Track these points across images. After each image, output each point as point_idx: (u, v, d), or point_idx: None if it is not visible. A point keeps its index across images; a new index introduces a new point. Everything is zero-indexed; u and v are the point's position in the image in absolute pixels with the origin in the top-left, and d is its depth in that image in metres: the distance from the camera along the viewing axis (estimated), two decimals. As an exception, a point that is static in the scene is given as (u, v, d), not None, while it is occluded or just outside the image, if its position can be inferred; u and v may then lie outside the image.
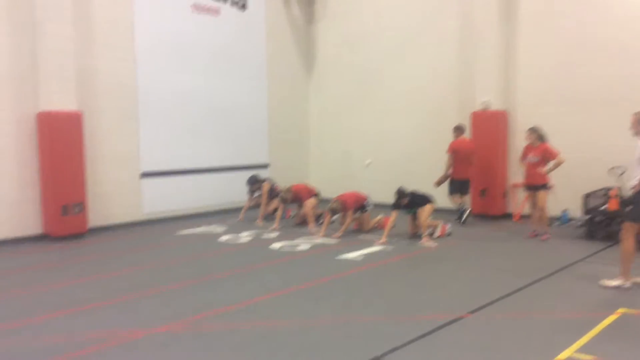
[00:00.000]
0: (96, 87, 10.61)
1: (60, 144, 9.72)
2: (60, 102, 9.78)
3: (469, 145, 11.28)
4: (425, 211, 9.55)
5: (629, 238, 6.55)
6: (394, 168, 13.12)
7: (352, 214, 10.08)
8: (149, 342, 5.14)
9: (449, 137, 12.32)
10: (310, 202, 10.91)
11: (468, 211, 11.14)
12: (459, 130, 11.29)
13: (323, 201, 11.63)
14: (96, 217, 10.52)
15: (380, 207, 11.15)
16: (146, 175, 11.45)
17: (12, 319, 5.81)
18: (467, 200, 11.42)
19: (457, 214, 11.23)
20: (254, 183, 11.76)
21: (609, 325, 5.40)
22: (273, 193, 11.70)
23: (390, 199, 9.82)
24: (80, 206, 9.95)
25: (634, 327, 5.45)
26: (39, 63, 9.73)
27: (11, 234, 9.60)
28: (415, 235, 9.72)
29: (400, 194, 9.51)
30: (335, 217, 10.35)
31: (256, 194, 11.84)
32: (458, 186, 11.24)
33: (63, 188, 9.76)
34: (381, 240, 9.36)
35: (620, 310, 5.81)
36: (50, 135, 9.66)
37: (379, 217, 10.61)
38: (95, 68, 10.58)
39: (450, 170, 11.24)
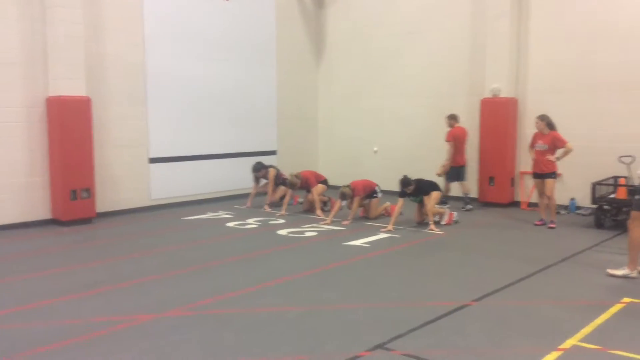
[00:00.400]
0: (105, 72, 10.63)
1: (69, 129, 9.76)
2: (69, 87, 9.80)
3: (465, 132, 11.40)
4: (432, 198, 9.55)
5: (637, 227, 6.51)
6: (403, 154, 13.10)
7: (361, 200, 10.10)
8: (156, 325, 5.19)
9: (460, 124, 12.29)
10: (317, 189, 10.94)
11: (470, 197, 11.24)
12: (454, 118, 11.38)
13: (331, 188, 11.66)
14: (104, 202, 10.59)
15: (388, 194, 11.14)
16: (154, 160, 11.49)
17: (21, 303, 5.88)
18: (467, 185, 11.42)
19: (462, 202, 11.25)
20: (259, 170, 11.72)
21: (615, 315, 5.41)
22: (279, 180, 11.71)
23: (396, 186, 9.81)
24: (88, 191, 10.01)
25: (639, 316, 5.44)
26: (48, 48, 9.76)
27: (20, 218, 9.70)
28: (422, 223, 9.73)
29: (406, 181, 9.48)
30: (344, 203, 10.35)
31: (262, 182, 11.83)
32: (456, 173, 11.32)
33: (72, 173, 9.82)
34: (388, 228, 9.38)
35: (626, 300, 5.81)
36: (59, 120, 9.71)
37: (385, 204, 10.62)
38: (104, 53, 10.59)
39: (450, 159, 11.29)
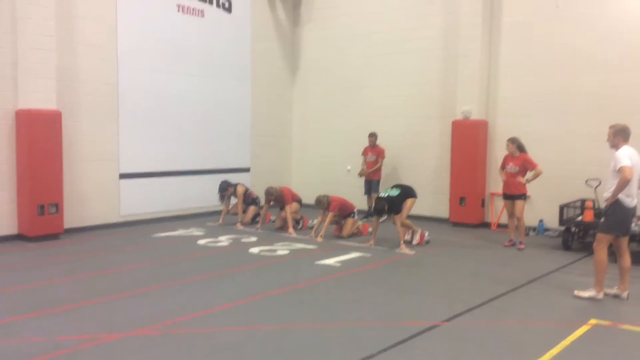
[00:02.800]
0: (77, 86, 10.51)
1: (38, 142, 9.60)
2: (40, 100, 9.66)
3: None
4: (404, 210, 9.50)
5: (602, 249, 6.65)
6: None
7: (333, 216, 10.13)
8: (123, 345, 5.09)
9: (430, 144, 12.56)
10: (292, 207, 10.93)
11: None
12: (375, 136, 12.55)
13: (304, 207, 11.66)
14: (73, 217, 10.40)
15: (361, 213, 11.20)
16: (125, 176, 11.34)
17: (-17, 320, 5.73)
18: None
19: (365, 213, 12.00)
20: (226, 189, 11.52)
21: (581, 336, 5.49)
22: (249, 199, 11.64)
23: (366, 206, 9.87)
24: (56, 206, 9.83)
25: (605, 338, 5.53)
26: (18, 60, 9.61)
27: (-15, 232, 9.47)
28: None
29: (379, 208, 9.40)
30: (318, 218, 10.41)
31: (233, 201, 11.73)
32: (375, 186, 12.37)
33: (40, 188, 9.63)
34: (370, 243, 9.56)
35: (593, 321, 5.90)
36: (28, 133, 9.54)
37: (358, 223, 10.68)
38: (76, 67, 10.47)
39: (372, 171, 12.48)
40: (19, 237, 9.75)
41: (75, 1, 10.40)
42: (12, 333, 5.38)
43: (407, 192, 9.78)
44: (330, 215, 10.07)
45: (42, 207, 9.65)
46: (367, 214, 11.92)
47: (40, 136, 9.62)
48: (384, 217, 9.56)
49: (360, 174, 12.61)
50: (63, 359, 4.75)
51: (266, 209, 11.27)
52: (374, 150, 12.57)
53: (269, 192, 10.93)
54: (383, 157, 12.53)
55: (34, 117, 9.56)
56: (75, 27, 10.43)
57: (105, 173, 11.01)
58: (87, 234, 10.47)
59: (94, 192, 10.83)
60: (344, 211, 10.36)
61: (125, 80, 11.22)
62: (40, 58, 9.67)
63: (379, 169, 12.54)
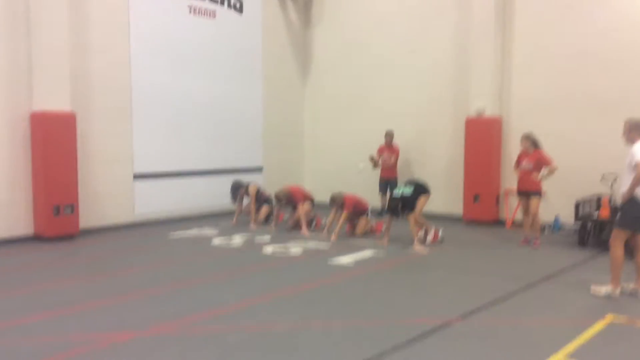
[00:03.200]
0: (90, 88, 10.60)
1: (53, 144, 9.69)
2: (54, 102, 9.76)
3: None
4: (417, 208, 9.42)
5: (618, 245, 6.57)
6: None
7: (348, 215, 10.10)
8: (138, 344, 5.12)
9: (444, 141, 12.51)
10: (304, 207, 10.92)
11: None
12: (391, 135, 12.46)
13: (317, 205, 11.65)
14: (88, 218, 10.49)
15: (374, 211, 11.17)
16: (139, 176, 11.43)
17: (1, 320, 5.78)
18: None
19: (380, 212, 11.91)
20: (238, 189, 11.55)
21: (597, 333, 5.42)
22: (261, 198, 11.65)
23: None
24: (72, 207, 9.92)
25: (621, 334, 5.47)
26: (33, 63, 9.70)
27: (2, 234, 9.55)
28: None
29: (393, 203, 9.41)
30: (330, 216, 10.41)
31: (245, 200, 11.76)
32: (393, 185, 12.03)
33: (55, 189, 9.73)
34: (383, 241, 9.55)
35: (609, 318, 5.84)
36: (43, 135, 9.64)
37: (371, 222, 10.64)
38: (89, 69, 10.56)
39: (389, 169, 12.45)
40: (35, 238, 9.85)
41: (88, 5, 10.49)
42: (27, 333, 5.43)
43: (420, 189, 9.68)
44: (344, 215, 10.06)
45: (57, 207, 9.74)
46: (381, 212, 11.87)
47: (55, 138, 9.71)
48: (398, 215, 9.50)
49: (374, 165, 12.50)
50: (79, 358, 4.78)
51: (279, 209, 11.28)
52: (390, 150, 12.51)
53: (277, 197, 10.93)
54: (398, 157, 12.50)
55: (49, 119, 9.66)
56: (89, 30, 10.52)
57: (119, 174, 11.10)
58: (102, 234, 10.55)
59: (108, 193, 10.91)
60: (358, 210, 10.33)
61: (138, 82, 11.30)
62: (55, 61, 9.76)
63: (395, 167, 12.48)
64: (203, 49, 12.47)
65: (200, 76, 12.44)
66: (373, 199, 11.57)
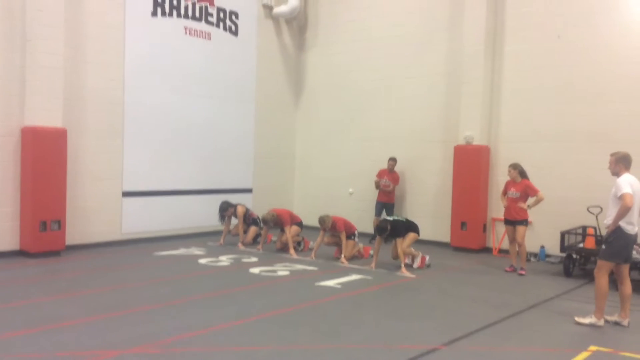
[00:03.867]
0: (83, 105, 10.62)
1: (43, 159, 9.67)
2: (46, 118, 9.76)
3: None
4: (407, 239, 9.59)
5: (603, 276, 6.65)
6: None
7: (344, 236, 10.18)
8: (121, 362, 5.09)
9: (433, 168, 12.64)
10: (292, 230, 10.96)
11: None
12: (395, 160, 12.61)
13: (306, 228, 11.67)
14: (74, 234, 10.43)
15: (362, 236, 11.20)
16: (127, 194, 11.39)
17: (-18, 334, 5.72)
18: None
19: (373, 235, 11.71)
20: (227, 209, 11.58)
21: (581, 362, 5.46)
22: (249, 220, 11.66)
23: (370, 228, 9.89)
24: (59, 223, 9.86)
25: (605, 364, 5.51)
26: (26, 78, 9.73)
27: (-13, 248, 9.49)
28: (398, 259, 9.68)
29: (381, 228, 9.46)
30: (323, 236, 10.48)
31: (233, 221, 11.74)
32: (390, 209, 12.53)
33: (43, 204, 9.68)
34: (371, 265, 9.58)
35: (593, 348, 5.88)
36: (33, 150, 9.62)
37: (359, 245, 10.67)
38: (83, 85, 10.60)
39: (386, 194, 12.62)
40: (20, 253, 9.76)
41: (84, 22, 10.56)
42: (11, 349, 5.37)
43: (411, 225, 9.92)
44: (343, 234, 10.11)
45: (44, 223, 9.68)
46: (373, 237, 11.84)
47: (45, 153, 9.69)
48: (385, 236, 9.53)
49: (377, 187, 12.60)
50: (60, 375, 4.74)
51: (266, 230, 11.28)
52: (390, 175, 12.56)
53: (264, 221, 10.95)
54: (396, 184, 12.59)
55: (40, 134, 9.65)
56: (83, 46, 10.58)
57: (108, 191, 11.07)
58: (88, 251, 10.48)
59: (96, 210, 10.87)
60: (347, 231, 10.35)
61: (130, 100, 11.34)
62: (48, 76, 9.79)
63: (393, 193, 12.59)
64: (197, 70, 12.56)
65: (193, 96, 12.51)
66: (360, 224, 11.59)
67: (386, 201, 12.60)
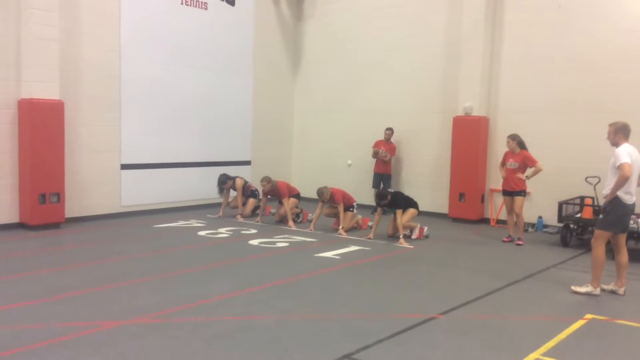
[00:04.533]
0: (80, 77, 10.54)
1: (40, 132, 9.64)
2: (43, 90, 9.70)
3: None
4: (406, 214, 9.65)
5: (600, 246, 6.69)
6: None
7: (342, 208, 10.20)
8: (122, 333, 5.14)
9: (431, 139, 12.61)
10: (290, 202, 10.99)
11: None
12: (392, 130, 12.61)
13: (304, 200, 11.71)
14: (74, 207, 10.45)
15: (361, 207, 11.23)
16: (126, 167, 11.39)
17: (-16, 306, 5.77)
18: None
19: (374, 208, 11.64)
20: (225, 182, 11.57)
21: (577, 330, 5.52)
22: (247, 191, 11.67)
23: (369, 200, 9.93)
24: (58, 196, 9.87)
25: (600, 333, 5.57)
26: (22, 50, 9.65)
27: (-13, 221, 9.52)
28: (394, 236, 9.81)
29: (382, 194, 9.60)
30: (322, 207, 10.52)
31: (232, 194, 11.76)
32: (387, 180, 12.62)
33: (41, 177, 9.68)
34: (370, 236, 9.63)
35: (589, 316, 5.94)
36: (30, 123, 9.58)
37: (357, 217, 10.72)
38: (79, 57, 10.51)
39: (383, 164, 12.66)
40: (20, 226, 9.81)
41: (79, -9, 10.44)
42: (12, 320, 5.43)
43: (411, 201, 10.00)
44: (341, 206, 10.14)
45: (43, 196, 9.69)
46: (375, 208, 11.81)
47: (42, 125, 9.66)
48: (385, 204, 9.57)
49: (374, 155, 12.60)
50: (62, 346, 4.79)
51: (264, 201, 11.31)
52: (387, 146, 12.56)
53: (263, 192, 10.95)
54: (393, 154, 12.58)
55: (36, 106, 9.60)
56: (79, 17, 10.45)
57: (107, 163, 11.06)
58: (88, 223, 10.52)
59: (95, 182, 10.88)
60: (345, 204, 10.39)
61: (127, 72, 11.25)
62: (44, 48, 9.70)
63: (389, 164, 12.59)
64: (194, 40, 12.43)
65: (190, 67, 12.41)
66: (358, 196, 11.62)
67: (383, 172, 12.61)
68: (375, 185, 12.53)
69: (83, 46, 10.55)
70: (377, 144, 12.67)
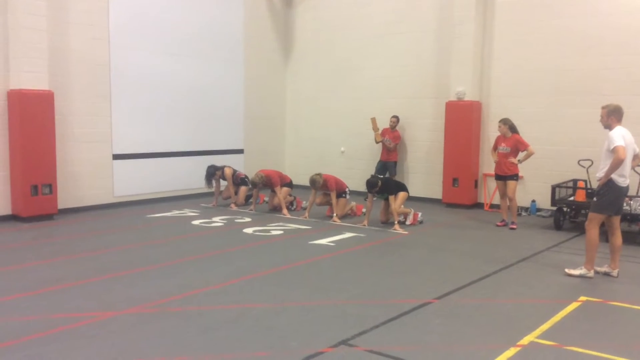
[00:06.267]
0: (69, 66, 10.44)
1: (30, 123, 9.55)
2: (32, 80, 9.59)
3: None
4: (398, 199, 9.67)
5: (594, 228, 6.72)
6: (370, 155, 13.19)
7: (335, 195, 10.17)
8: (118, 323, 5.13)
9: (424, 125, 12.59)
10: (283, 191, 10.97)
11: None
12: (397, 118, 12.57)
13: (297, 188, 11.70)
14: (66, 198, 10.39)
15: (354, 194, 11.24)
16: (118, 157, 11.32)
17: (-22, 299, 5.75)
18: None
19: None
20: (214, 173, 11.47)
21: (571, 313, 5.56)
22: (237, 180, 11.61)
23: (363, 186, 9.92)
24: (50, 187, 9.81)
25: (594, 314, 5.61)
26: (10, 40, 9.53)
27: (-21, 213, 9.46)
28: (387, 223, 9.83)
29: (372, 183, 9.57)
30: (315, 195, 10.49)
31: (222, 183, 11.73)
32: (392, 168, 12.51)
33: (33, 168, 9.61)
34: (364, 223, 9.64)
35: (583, 299, 5.98)
36: (20, 114, 9.48)
37: (351, 204, 10.73)
38: (68, 47, 10.39)
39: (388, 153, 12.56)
40: (13, 218, 9.75)
41: (66, -20, 10.30)
42: (7, 312, 5.40)
43: (400, 185, 10.05)
44: (333, 194, 10.13)
45: (35, 187, 9.63)
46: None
47: (32, 116, 9.57)
48: (375, 191, 9.57)
49: (377, 140, 12.56)
50: (58, 337, 4.78)
51: (257, 191, 11.25)
52: (391, 134, 12.49)
53: (253, 183, 10.89)
54: (397, 143, 12.48)
55: (26, 97, 9.51)
56: (67, 6, 10.33)
57: (98, 154, 10.99)
58: (81, 214, 10.47)
59: (87, 173, 10.81)
60: (339, 189, 10.37)
61: (117, 61, 11.15)
62: (32, 38, 9.59)
63: (394, 152, 12.50)
64: (184, 28, 12.32)
65: (180, 56, 12.31)
66: (352, 183, 11.62)
67: (386, 159, 12.53)
68: (379, 172, 12.37)
69: (71, 35, 10.43)
70: (383, 133, 12.57)
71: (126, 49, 11.28)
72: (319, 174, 10.21)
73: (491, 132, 11.40)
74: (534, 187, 11.12)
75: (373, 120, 12.55)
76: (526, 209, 11.14)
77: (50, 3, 9.90)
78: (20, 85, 9.50)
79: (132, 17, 11.35)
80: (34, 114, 9.60)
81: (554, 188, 9.76)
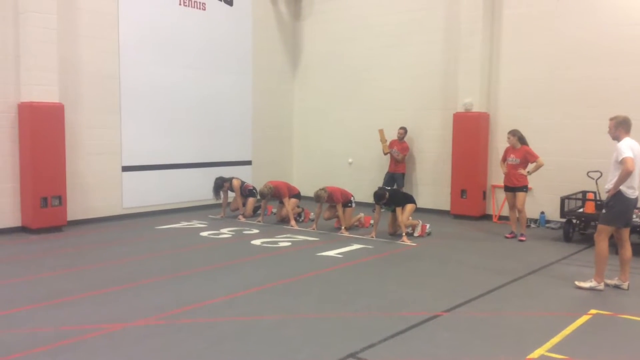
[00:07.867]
0: (79, 79, 10.53)
1: (41, 135, 9.63)
2: (42, 93, 9.68)
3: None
4: (406, 210, 9.65)
5: (603, 241, 6.68)
6: (378, 166, 13.19)
7: (341, 207, 10.17)
8: (126, 335, 5.14)
9: (432, 136, 12.58)
10: (291, 202, 10.97)
11: None
12: (405, 129, 12.52)
13: (305, 199, 11.70)
14: (76, 210, 10.45)
15: (362, 205, 11.24)
16: (127, 169, 11.38)
17: (-12, 310, 5.77)
18: None
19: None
20: (222, 185, 11.49)
21: (581, 326, 5.52)
22: (245, 191, 11.63)
23: (371, 198, 9.92)
24: (59, 199, 9.87)
25: (605, 328, 5.57)
26: (21, 53, 9.63)
27: (-11, 225, 9.52)
28: (395, 234, 9.81)
29: (379, 195, 9.53)
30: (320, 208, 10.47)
31: (230, 195, 11.75)
32: (400, 179, 12.49)
33: (43, 180, 9.67)
34: (372, 235, 9.64)
35: (593, 311, 5.94)
36: (31, 126, 9.57)
37: (359, 215, 10.71)
38: (78, 59, 10.49)
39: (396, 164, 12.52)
40: (22, 229, 9.80)
41: (77, -6, 10.42)
42: (16, 324, 5.43)
43: (408, 197, 10.05)
44: (339, 207, 10.13)
45: (45, 199, 9.69)
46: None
47: (42, 129, 9.65)
48: (382, 203, 9.56)
49: (385, 151, 12.56)
50: (68, 349, 4.79)
51: (265, 202, 11.26)
52: (400, 145, 12.48)
53: (262, 194, 10.90)
54: (405, 154, 12.46)
55: (37, 109, 9.59)
56: (77, 19, 10.45)
57: (107, 166, 11.05)
58: (90, 226, 10.52)
59: (96, 185, 10.87)
60: (344, 200, 10.35)
61: (127, 73, 11.24)
62: (42, 51, 9.68)
63: (402, 163, 12.48)
64: (192, 41, 12.42)
65: (189, 68, 12.39)
66: (359, 194, 11.62)
67: (394, 171, 12.51)
68: (387, 184, 12.34)
69: (81, 48, 10.53)
70: (391, 144, 12.58)
71: (136, 61, 11.38)
72: (323, 189, 10.16)
73: (499, 143, 11.37)
74: (543, 199, 11.08)
75: (381, 131, 12.58)
76: (535, 221, 11.09)
77: (60, 16, 10.01)
78: (31, 98, 9.59)
79: (141, 30, 11.45)
80: (45, 126, 9.67)
81: (563, 200, 9.72)
